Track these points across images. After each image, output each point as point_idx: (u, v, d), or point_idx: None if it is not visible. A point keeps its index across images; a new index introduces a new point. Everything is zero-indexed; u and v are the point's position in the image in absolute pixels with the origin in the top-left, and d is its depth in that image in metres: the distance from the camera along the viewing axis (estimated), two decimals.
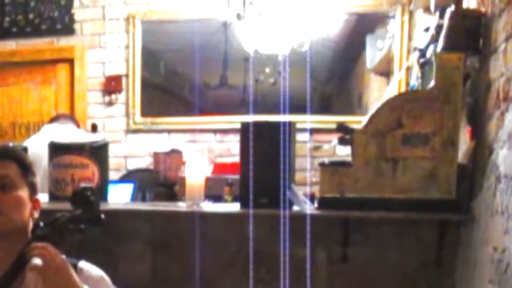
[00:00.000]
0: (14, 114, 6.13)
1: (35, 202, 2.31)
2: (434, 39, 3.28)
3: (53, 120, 5.21)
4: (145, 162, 5.76)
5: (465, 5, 3.22)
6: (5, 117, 6.19)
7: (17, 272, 2.13)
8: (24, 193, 2.26)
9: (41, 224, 2.19)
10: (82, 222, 2.22)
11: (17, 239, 2.19)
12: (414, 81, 3.90)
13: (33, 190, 2.30)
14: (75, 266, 2.22)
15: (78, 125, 5.19)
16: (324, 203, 3.13)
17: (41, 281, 2.14)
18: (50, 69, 6.15)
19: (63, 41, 5.99)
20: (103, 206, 3.24)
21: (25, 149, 3.76)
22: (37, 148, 4.10)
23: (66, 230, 2.19)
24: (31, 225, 2.25)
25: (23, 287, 2.18)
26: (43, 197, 3.65)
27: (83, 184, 3.01)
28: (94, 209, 2.25)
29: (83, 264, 2.28)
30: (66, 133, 4.85)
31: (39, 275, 2.13)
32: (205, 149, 5.69)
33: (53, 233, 2.17)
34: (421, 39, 4.13)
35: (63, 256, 2.18)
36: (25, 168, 2.30)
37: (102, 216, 2.27)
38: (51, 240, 2.15)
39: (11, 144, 4.15)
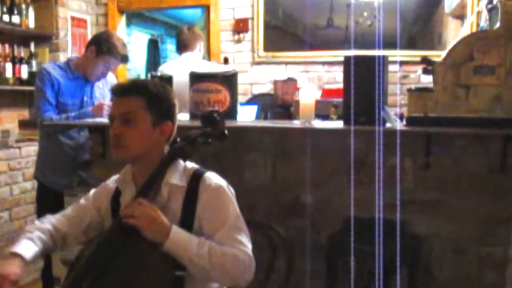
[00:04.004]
0: None
1: (163, 127, 2.33)
2: None
3: (182, 49, 5.34)
4: (267, 88, 5.94)
5: None
6: None
7: (153, 185, 2.29)
8: (146, 125, 2.28)
9: (178, 139, 2.40)
10: (209, 137, 2.41)
11: (149, 159, 2.31)
12: (483, 23, 3.91)
13: (160, 117, 2.32)
14: (201, 175, 2.34)
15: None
16: (411, 121, 3.25)
17: (174, 195, 2.31)
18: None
19: None
20: (233, 124, 3.49)
21: (169, 79, 3.94)
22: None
23: (197, 143, 2.39)
24: (162, 146, 2.36)
25: (158, 198, 2.31)
26: (185, 116, 4.01)
27: (209, 108, 3.20)
28: (219, 126, 2.43)
29: (208, 174, 2.35)
30: (198, 63, 5.10)
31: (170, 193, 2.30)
32: (315, 77, 5.88)
33: (186, 145, 2.37)
34: None
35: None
36: (152, 99, 2.30)
37: (226, 132, 2.44)
38: (185, 151, 2.37)
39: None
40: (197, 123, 2.54)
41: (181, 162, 2.38)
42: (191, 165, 2.41)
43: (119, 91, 2.36)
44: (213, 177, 2.35)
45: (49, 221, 2.46)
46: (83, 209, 2.52)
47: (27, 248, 2.29)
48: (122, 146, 2.28)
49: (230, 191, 2.35)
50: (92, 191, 2.58)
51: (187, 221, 2.28)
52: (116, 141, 2.28)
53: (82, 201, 2.56)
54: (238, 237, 2.23)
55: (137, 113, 2.28)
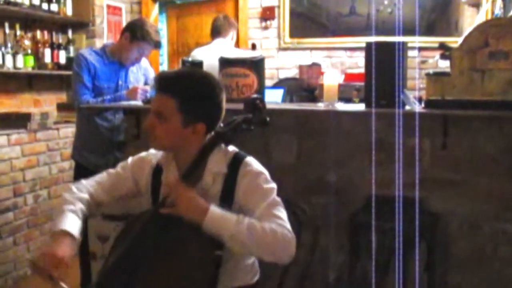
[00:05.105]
0: (198, 36, 6.57)
1: (196, 128, 2.30)
2: None
3: (215, 35, 5.43)
4: (292, 72, 6.03)
5: None
6: (191, 38, 6.66)
7: (195, 170, 2.30)
8: (175, 124, 2.27)
9: (221, 125, 2.38)
10: (251, 124, 2.38)
11: (187, 148, 2.33)
12: (498, 11, 3.93)
13: (192, 119, 2.29)
14: (242, 159, 2.34)
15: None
16: (429, 103, 3.28)
17: (215, 181, 2.33)
18: (221, 3, 6.51)
19: None
20: None
21: (200, 64, 3.99)
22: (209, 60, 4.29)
23: (239, 129, 2.36)
24: (198, 141, 2.33)
25: (201, 183, 2.32)
26: None
27: (253, 95, 3.11)
28: (262, 113, 2.41)
29: (249, 159, 2.36)
30: (229, 49, 5.16)
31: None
32: (338, 62, 5.98)
33: (229, 131, 2.35)
34: None
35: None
36: (185, 101, 2.26)
37: (268, 119, 2.42)
38: (226, 136, 2.35)
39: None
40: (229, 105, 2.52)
41: (222, 146, 2.38)
42: (231, 148, 2.41)
43: (157, 85, 2.36)
44: (252, 163, 2.36)
45: (86, 189, 2.45)
46: (120, 179, 2.51)
47: (74, 224, 2.29)
48: (154, 137, 2.32)
49: (269, 177, 2.35)
50: (130, 160, 2.57)
51: (225, 206, 2.27)
52: (150, 132, 2.33)
53: (119, 170, 2.55)
54: (277, 213, 2.22)
55: (167, 113, 2.27)
